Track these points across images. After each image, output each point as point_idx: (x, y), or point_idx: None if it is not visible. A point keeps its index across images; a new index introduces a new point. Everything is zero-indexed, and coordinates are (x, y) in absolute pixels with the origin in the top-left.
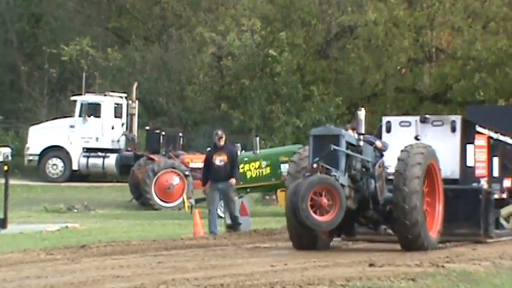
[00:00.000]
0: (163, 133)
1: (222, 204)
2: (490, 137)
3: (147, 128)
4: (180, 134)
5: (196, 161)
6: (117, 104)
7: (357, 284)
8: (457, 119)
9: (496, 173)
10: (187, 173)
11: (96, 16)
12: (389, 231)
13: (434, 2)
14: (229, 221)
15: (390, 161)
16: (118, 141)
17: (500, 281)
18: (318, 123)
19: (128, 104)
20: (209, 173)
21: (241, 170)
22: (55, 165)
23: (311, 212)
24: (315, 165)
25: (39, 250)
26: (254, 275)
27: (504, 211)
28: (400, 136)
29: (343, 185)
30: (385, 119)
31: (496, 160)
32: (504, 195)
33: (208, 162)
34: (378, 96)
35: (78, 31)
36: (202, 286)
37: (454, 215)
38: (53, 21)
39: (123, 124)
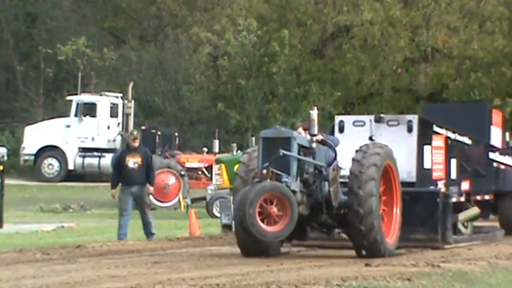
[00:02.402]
0: (159, 133)
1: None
2: (447, 138)
3: (143, 127)
4: (176, 134)
5: (192, 161)
6: (113, 104)
7: (353, 284)
8: (414, 118)
9: (454, 176)
10: (183, 172)
11: (92, 16)
12: (344, 235)
13: (430, 2)
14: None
15: (344, 162)
16: (114, 140)
17: (496, 281)
18: None
19: (123, 104)
20: (120, 176)
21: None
22: (51, 165)
23: (258, 219)
24: (264, 171)
25: (35, 250)
26: (250, 274)
27: (462, 216)
28: (353, 136)
29: (294, 191)
30: (337, 118)
31: (453, 162)
32: (462, 199)
33: (119, 164)
34: (374, 96)
35: (74, 31)
36: (198, 286)
37: (411, 220)
38: (49, 21)
39: (119, 124)
